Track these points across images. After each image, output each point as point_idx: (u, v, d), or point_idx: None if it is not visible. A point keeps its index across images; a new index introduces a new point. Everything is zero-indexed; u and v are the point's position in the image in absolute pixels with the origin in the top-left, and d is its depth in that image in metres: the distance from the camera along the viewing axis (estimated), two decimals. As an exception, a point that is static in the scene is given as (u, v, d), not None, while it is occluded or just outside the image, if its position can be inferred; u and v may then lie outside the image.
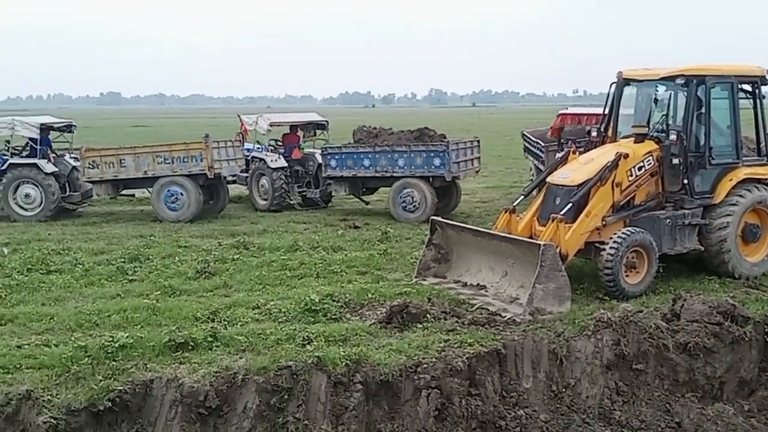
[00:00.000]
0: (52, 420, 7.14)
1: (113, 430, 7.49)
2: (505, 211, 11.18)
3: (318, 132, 21.73)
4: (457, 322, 9.25)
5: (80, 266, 12.29)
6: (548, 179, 11.33)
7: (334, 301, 10.08)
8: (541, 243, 9.62)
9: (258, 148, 20.69)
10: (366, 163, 17.82)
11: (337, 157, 18.30)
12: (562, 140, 18.54)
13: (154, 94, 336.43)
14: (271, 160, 19.18)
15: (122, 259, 12.72)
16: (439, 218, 11.98)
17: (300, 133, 21.29)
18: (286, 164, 19.47)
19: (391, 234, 15.06)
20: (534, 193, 12.50)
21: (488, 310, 9.78)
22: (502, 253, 10.57)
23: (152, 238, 14.99)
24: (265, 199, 19.38)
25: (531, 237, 10.68)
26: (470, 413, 8.14)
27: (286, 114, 24.82)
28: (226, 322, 9.36)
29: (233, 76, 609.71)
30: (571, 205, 10.35)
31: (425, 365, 8.16)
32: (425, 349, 8.45)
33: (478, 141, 19.06)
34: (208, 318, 9.48)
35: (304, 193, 20.18)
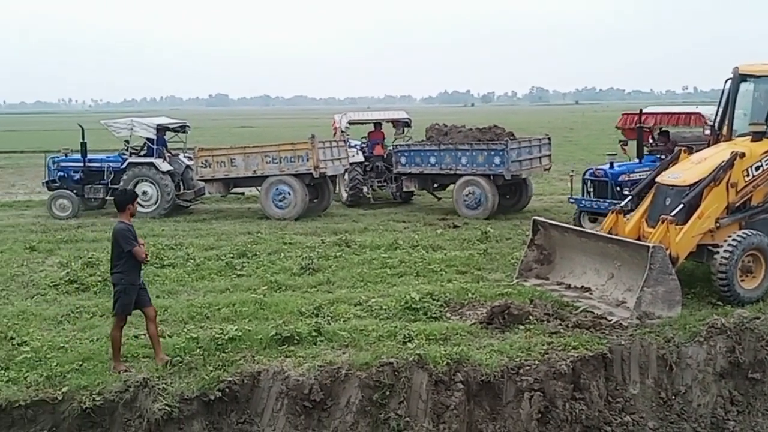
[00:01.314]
0: (166, 407, 7.49)
1: (223, 419, 7.79)
2: (613, 212, 10.86)
3: (406, 130, 22.27)
4: (560, 324, 9.09)
5: (192, 261, 12.85)
6: (658, 179, 10.92)
7: (434, 299, 10.11)
8: (651, 245, 9.28)
9: (356, 145, 21.30)
10: (432, 160, 18.33)
11: (406, 154, 19.04)
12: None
13: (259, 95, 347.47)
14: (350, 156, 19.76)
15: (231, 255, 13.21)
16: (542, 218, 11.78)
17: (383, 130, 22.05)
18: (362, 160, 20.17)
19: (491, 233, 14.93)
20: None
21: (593, 313, 9.54)
22: (608, 255, 10.29)
23: (259, 234, 15.49)
24: (347, 192, 20.19)
25: (639, 239, 10.34)
26: (574, 417, 7.99)
27: (367, 112, 25.81)
28: (329, 318, 9.57)
29: (335, 78, 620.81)
30: (682, 206, 9.95)
31: (528, 367, 8.07)
32: (528, 351, 8.35)
33: (549, 139, 19.04)
34: (312, 313, 9.70)
35: (382, 188, 20.87)
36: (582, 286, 10.59)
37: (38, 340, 8.73)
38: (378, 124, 21.93)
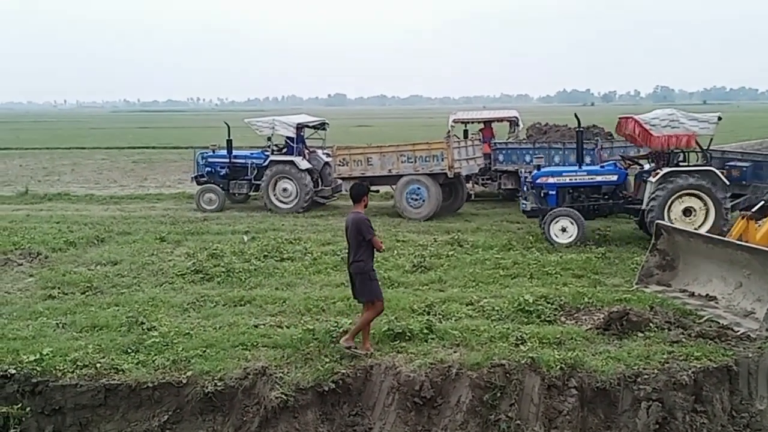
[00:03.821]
0: (283, 396, 7.77)
1: (336, 410, 7.98)
2: (743, 218, 10.29)
3: (516, 128, 22.46)
4: (682, 333, 8.71)
5: (309, 255, 13.24)
6: (795, 184, 10.24)
7: (548, 303, 9.93)
8: (785, 253, 8.73)
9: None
10: (527, 158, 18.57)
11: (504, 152, 19.61)
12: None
13: (376, 95, 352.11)
14: None
15: (346, 251, 13.38)
16: (666, 222, 11.29)
17: (495, 128, 22.72)
18: None
19: (609, 237, 14.51)
20: None
21: (718, 323, 9.07)
22: (736, 263, 9.74)
23: (373, 231, 15.68)
24: None
25: (772, 247, 9.72)
26: (694, 431, 7.62)
27: (474, 111, 26.25)
28: (440, 316, 9.60)
29: (451, 77, 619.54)
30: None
31: (646, 376, 7.78)
32: (646, 359, 8.05)
33: None
34: (424, 311, 9.76)
35: (486, 185, 21.24)
36: (707, 295, 10.09)
37: (166, 326, 9.27)
38: (488, 123, 22.24)
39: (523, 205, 15.20)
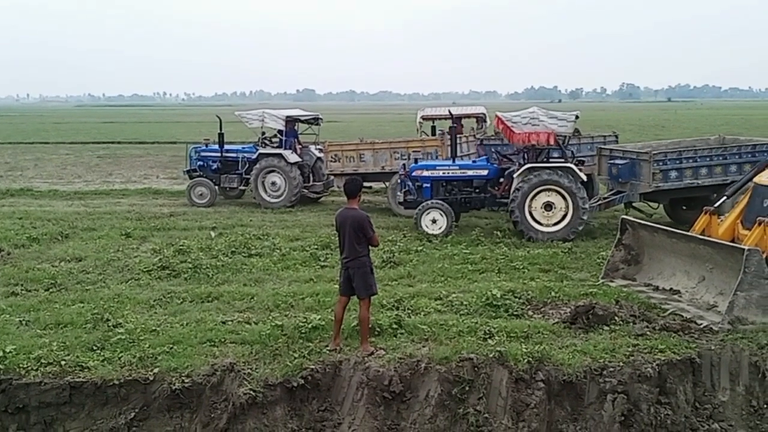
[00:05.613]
0: (251, 392, 7.72)
1: (305, 406, 7.95)
2: (705, 213, 10.48)
3: (483, 125, 22.73)
4: (647, 326, 8.84)
5: (277, 251, 13.18)
6: (756, 179, 10.47)
7: (516, 297, 10.02)
8: (746, 248, 8.90)
9: None
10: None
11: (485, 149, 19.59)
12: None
13: (345, 90, 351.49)
14: None
15: (315, 246, 13.45)
16: (631, 218, 11.46)
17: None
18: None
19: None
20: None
21: (682, 316, 9.24)
22: (699, 257, 9.93)
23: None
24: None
25: (733, 241, 9.93)
26: (659, 422, 7.76)
27: (442, 108, 25.90)
28: (409, 311, 9.62)
29: (419, 73, 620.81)
30: (781, 207, 9.50)
31: (612, 369, 7.89)
32: (612, 352, 8.16)
33: (616, 136, 19.67)
34: (393, 306, 9.78)
35: None
36: (671, 288, 10.27)
37: (132, 323, 9.16)
38: (456, 120, 22.15)
39: (398, 197, 16.02)
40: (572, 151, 15.85)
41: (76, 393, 7.75)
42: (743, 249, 8.88)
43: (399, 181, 16.10)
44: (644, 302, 9.82)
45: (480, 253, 12.91)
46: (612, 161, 15.66)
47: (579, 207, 14.25)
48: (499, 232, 14.63)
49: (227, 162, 20.57)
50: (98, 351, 8.35)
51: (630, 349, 8.21)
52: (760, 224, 9.42)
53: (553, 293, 10.30)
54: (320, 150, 20.33)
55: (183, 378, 7.84)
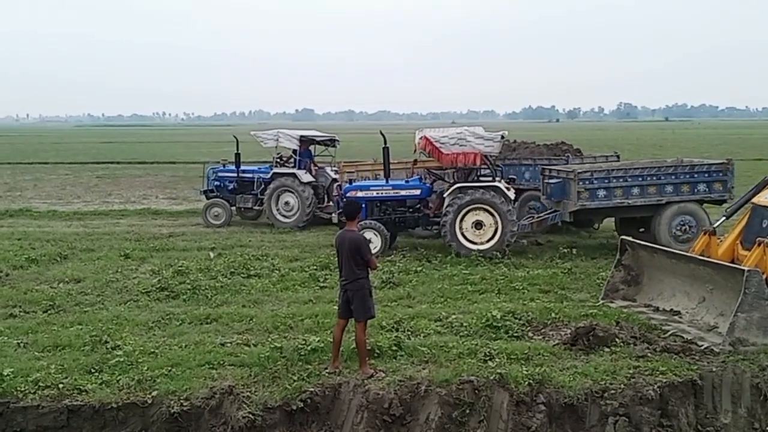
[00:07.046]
0: (250, 415, 7.65)
1: (304, 429, 7.88)
2: (704, 234, 10.48)
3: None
4: (648, 348, 8.81)
5: (277, 272, 13.15)
6: (755, 200, 10.48)
7: (516, 318, 9.99)
8: (746, 268, 8.88)
9: None
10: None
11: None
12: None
13: (343, 110, 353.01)
14: None
15: (314, 267, 13.43)
16: (630, 238, 11.46)
17: None
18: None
19: (575, 252, 14.65)
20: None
21: (683, 337, 9.21)
22: (699, 278, 9.91)
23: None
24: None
25: (733, 262, 9.92)
26: (661, 445, 7.69)
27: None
28: (409, 333, 9.58)
29: (418, 93, 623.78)
30: (781, 228, 9.51)
31: (613, 391, 7.84)
32: (613, 374, 8.12)
33: (618, 156, 19.64)
34: (393, 327, 9.74)
35: None
36: (671, 309, 10.24)
37: (130, 345, 9.09)
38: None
39: (333, 217, 16.57)
40: (501, 170, 16.25)
41: (74, 416, 7.67)
42: (743, 270, 8.86)
43: (335, 201, 16.23)
44: (645, 323, 9.79)
45: (479, 273, 12.89)
46: (548, 181, 15.82)
47: (508, 225, 14.51)
48: (498, 253, 14.54)
49: (243, 182, 20.60)
50: (96, 374, 8.28)
51: (631, 371, 8.16)
52: (759, 245, 9.41)
53: (553, 314, 10.26)
54: (335, 171, 20.38)
55: (182, 401, 7.75)
